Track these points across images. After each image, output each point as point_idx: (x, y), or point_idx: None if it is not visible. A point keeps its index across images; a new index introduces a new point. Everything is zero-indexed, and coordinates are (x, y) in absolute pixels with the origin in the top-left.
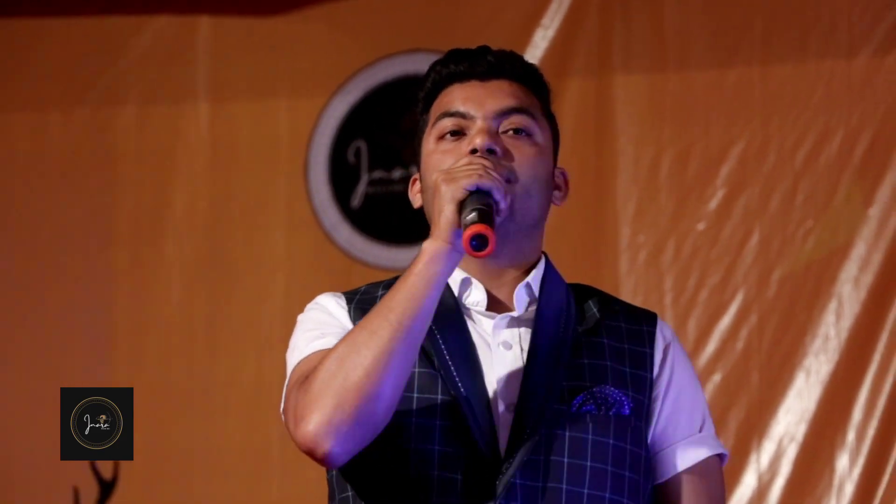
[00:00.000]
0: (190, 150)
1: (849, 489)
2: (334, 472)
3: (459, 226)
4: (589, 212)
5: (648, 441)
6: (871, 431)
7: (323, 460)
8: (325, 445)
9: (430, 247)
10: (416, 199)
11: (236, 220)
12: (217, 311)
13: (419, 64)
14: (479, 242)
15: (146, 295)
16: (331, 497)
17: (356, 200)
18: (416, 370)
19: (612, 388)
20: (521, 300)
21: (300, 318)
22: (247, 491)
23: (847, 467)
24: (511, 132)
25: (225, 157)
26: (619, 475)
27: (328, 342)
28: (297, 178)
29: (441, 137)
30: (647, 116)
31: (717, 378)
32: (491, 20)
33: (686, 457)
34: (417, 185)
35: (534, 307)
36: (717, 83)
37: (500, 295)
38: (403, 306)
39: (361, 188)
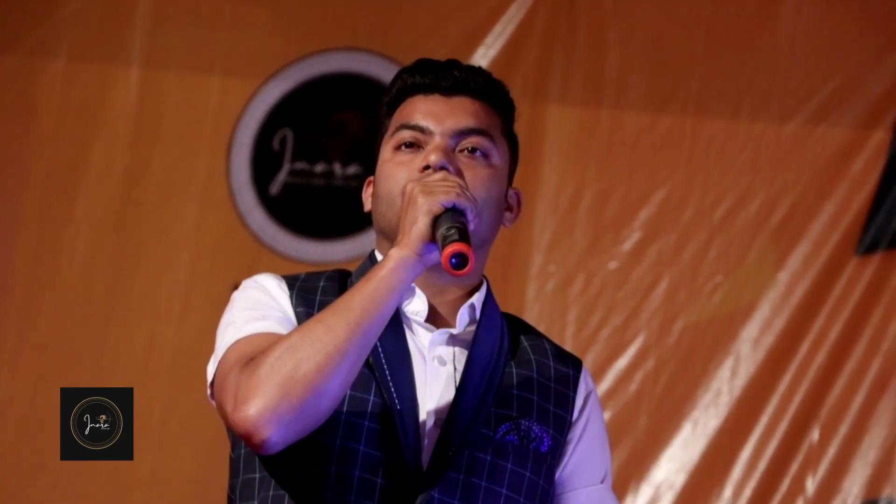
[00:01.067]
0: (115, 111)
1: None
2: (242, 452)
3: (431, 239)
4: (504, 233)
5: (555, 479)
6: (747, 491)
7: (259, 446)
8: (265, 432)
9: (397, 254)
10: (367, 202)
11: (151, 189)
12: (119, 275)
13: (356, 63)
14: (459, 261)
15: (50, 248)
16: (233, 474)
17: (275, 188)
18: None
19: (536, 424)
20: (462, 319)
21: (236, 294)
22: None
23: None
24: (467, 151)
25: (149, 124)
26: None
27: (270, 325)
28: (218, 156)
29: (398, 148)
30: (575, 150)
31: (606, 416)
32: (434, 31)
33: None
34: (370, 189)
35: (472, 328)
36: (648, 128)
37: (440, 310)
38: (363, 308)
39: (282, 176)
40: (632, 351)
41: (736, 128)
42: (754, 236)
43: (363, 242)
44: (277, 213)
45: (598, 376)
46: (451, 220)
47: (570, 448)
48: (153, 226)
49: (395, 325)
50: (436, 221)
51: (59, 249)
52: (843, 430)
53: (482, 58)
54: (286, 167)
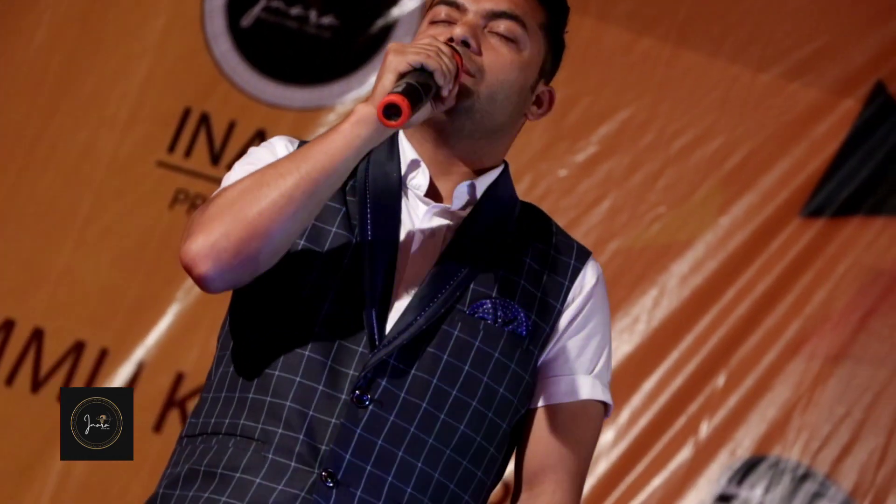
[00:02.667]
0: None
1: (602, 466)
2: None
3: None
4: None
5: (538, 366)
6: (642, 421)
7: (198, 280)
8: (203, 267)
9: (361, 110)
10: None
11: None
12: (72, 71)
13: None
14: (389, 111)
15: (7, 35)
16: (216, 363)
17: (247, 20)
18: (334, 230)
19: (517, 307)
20: (459, 196)
21: (250, 149)
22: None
23: (609, 442)
24: (497, 35)
25: None
26: (492, 389)
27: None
28: None
29: (433, 23)
30: None
31: None
32: None
33: (561, 393)
34: None
35: (468, 207)
36: (626, 47)
37: (443, 187)
38: (317, 159)
39: (256, 10)
40: None
41: (712, 65)
42: (706, 176)
43: (322, 94)
44: (244, 45)
45: None
46: (411, 78)
47: (556, 336)
48: (118, 29)
49: (395, 195)
50: (401, 80)
51: (18, 38)
52: (749, 382)
53: None
54: (262, 2)
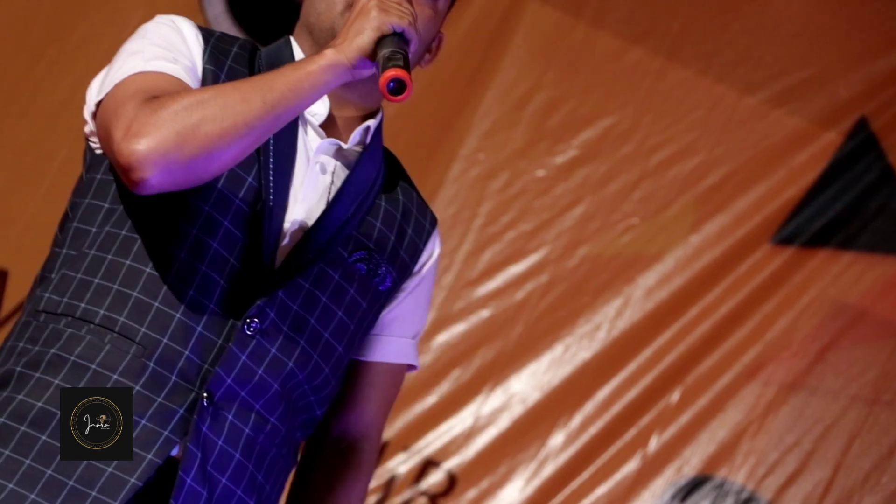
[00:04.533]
0: None
1: (549, 468)
2: (100, 177)
3: (369, 56)
4: (447, 106)
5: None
6: (593, 429)
7: (136, 183)
8: (148, 172)
9: (332, 56)
10: None
11: None
12: (63, 20)
13: None
14: (397, 86)
15: None
16: (78, 194)
17: None
18: None
19: (385, 262)
20: (355, 138)
21: (148, 26)
22: None
23: (559, 445)
24: None
25: None
26: (354, 335)
27: (178, 71)
28: None
29: None
30: (541, 52)
31: (483, 314)
32: None
33: (395, 353)
34: None
35: (358, 149)
36: (616, 54)
37: (337, 122)
38: (283, 93)
39: None
40: (530, 260)
41: (699, 83)
42: (681, 192)
43: None
44: (237, 10)
45: (489, 273)
46: (395, 45)
47: (400, 296)
48: None
49: (292, 120)
50: (380, 41)
51: None
52: (703, 401)
53: None
54: None
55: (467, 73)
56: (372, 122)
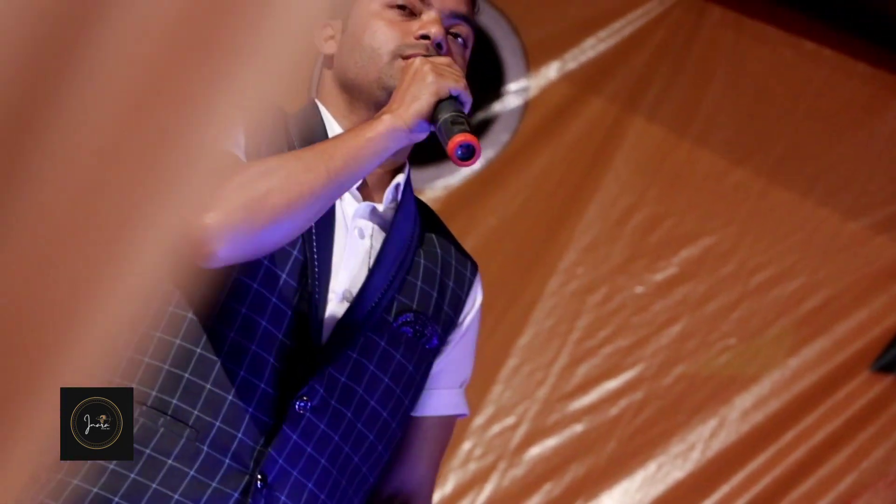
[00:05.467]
0: None
1: None
2: None
3: (428, 119)
4: (548, 219)
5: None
6: None
7: (205, 257)
8: (217, 245)
9: (391, 122)
10: (327, 45)
11: None
12: None
13: None
14: (466, 152)
15: None
16: None
17: None
18: None
19: (430, 320)
20: (388, 197)
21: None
22: None
23: None
24: (452, 36)
25: None
26: (401, 400)
27: (229, 145)
28: None
29: (389, 6)
30: (644, 168)
31: (577, 428)
32: (555, 4)
33: (444, 405)
34: (330, 31)
35: (393, 207)
36: (720, 173)
37: (368, 181)
38: (345, 161)
39: None
40: (626, 376)
41: (802, 205)
42: (780, 315)
43: (415, 178)
44: None
45: (584, 388)
46: (453, 109)
47: (447, 349)
48: None
49: None
50: (437, 105)
51: None
52: None
53: (590, 48)
54: None
55: (570, 187)
56: (401, 178)
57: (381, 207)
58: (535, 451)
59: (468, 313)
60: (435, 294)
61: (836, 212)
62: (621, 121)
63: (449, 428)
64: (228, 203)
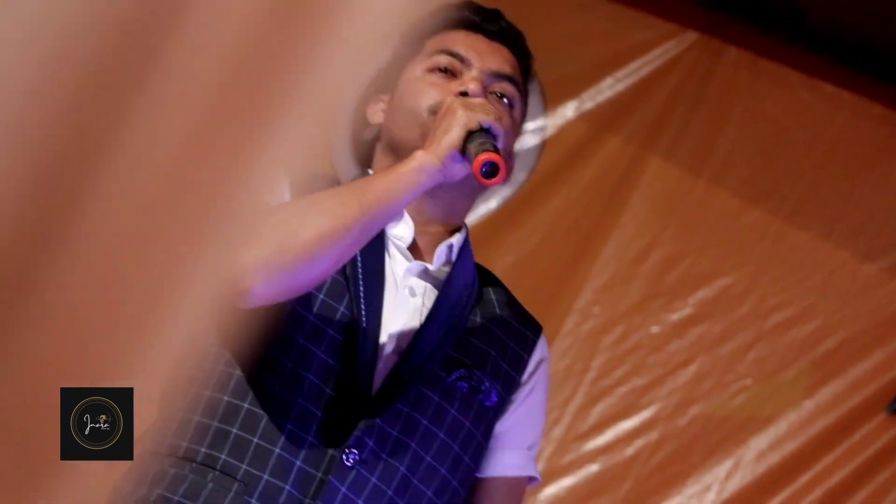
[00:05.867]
0: None
1: None
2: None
3: (460, 151)
4: (564, 258)
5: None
6: None
7: (241, 294)
8: (253, 281)
9: (423, 157)
10: (375, 115)
11: None
12: None
13: None
14: (490, 169)
15: None
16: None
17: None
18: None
19: (488, 378)
20: (440, 257)
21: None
22: None
23: None
24: (496, 95)
25: None
26: (459, 458)
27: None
28: None
29: (431, 70)
30: (661, 207)
31: (592, 468)
32: (572, 44)
33: (510, 466)
34: (381, 105)
35: (447, 269)
36: (736, 213)
37: (420, 242)
38: (377, 196)
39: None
40: (642, 416)
41: (820, 247)
42: (797, 356)
43: None
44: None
45: (599, 427)
46: (486, 138)
47: (511, 408)
48: None
49: (379, 243)
50: (468, 137)
51: None
52: None
53: (608, 87)
54: None
55: (586, 227)
56: (455, 240)
57: (432, 267)
58: (550, 490)
59: (531, 373)
60: (493, 352)
61: (853, 254)
62: (638, 160)
63: (517, 491)
64: (262, 239)
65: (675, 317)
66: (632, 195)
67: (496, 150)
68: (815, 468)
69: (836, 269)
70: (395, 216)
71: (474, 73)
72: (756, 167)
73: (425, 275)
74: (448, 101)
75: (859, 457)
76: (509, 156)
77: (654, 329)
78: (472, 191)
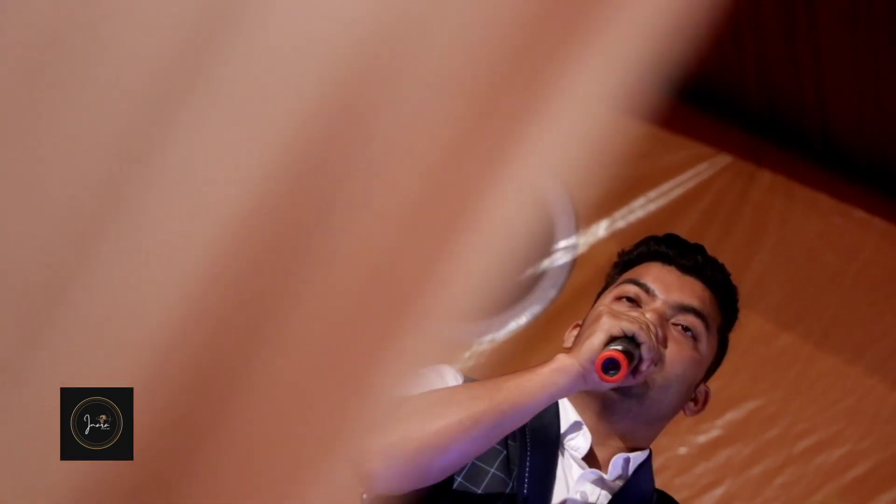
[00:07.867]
0: None
1: None
2: None
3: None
4: None
5: None
6: None
7: (365, 476)
8: (372, 463)
9: (564, 361)
10: (568, 339)
11: None
12: None
13: None
14: (610, 366)
15: None
16: None
17: None
18: (492, 471)
19: None
20: (615, 467)
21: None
22: None
23: None
24: (681, 327)
25: None
26: None
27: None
28: None
29: (618, 299)
30: None
31: None
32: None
33: None
34: (576, 331)
35: (621, 482)
36: (767, 338)
37: (598, 453)
38: (511, 392)
39: None
40: None
41: (849, 373)
42: (825, 482)
43: (461, 332)
44: None
45: None
46: (623, 342)
47: None
48: None
49: (553, 448)
50: (609, 342)
51: None
52: None
53: (639, 207)
54: None
55: None
56: (634, 455)
57: (607, 477)
58: None
59: None
60: None
61: (883, 381)
62: None
63: None
64: (387, 427)
65: (702, 438)
66: None
67: (624, 350)
68: None
69: (866, 395)
70: (530, 414)
71: (658, 304)
72: (788, 291)
73: (601, 483)
74: (598, 310)
75: None
76: (653, 365)
77: (682, 450)
78: (649, 417)
